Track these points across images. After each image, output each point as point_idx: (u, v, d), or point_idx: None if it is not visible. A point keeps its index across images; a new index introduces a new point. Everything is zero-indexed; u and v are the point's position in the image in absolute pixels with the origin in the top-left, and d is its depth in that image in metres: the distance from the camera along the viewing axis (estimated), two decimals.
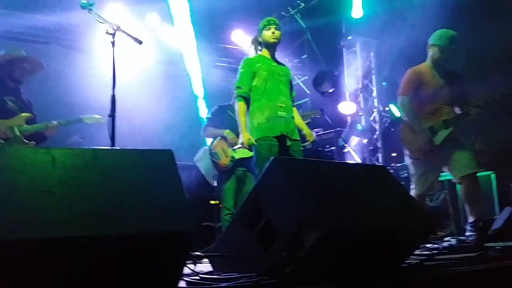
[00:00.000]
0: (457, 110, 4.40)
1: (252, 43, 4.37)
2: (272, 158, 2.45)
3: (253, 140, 4.01)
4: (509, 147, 7.27)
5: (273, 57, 4.30)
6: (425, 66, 4.51)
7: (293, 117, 4.22)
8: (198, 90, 7.76)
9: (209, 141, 5.43)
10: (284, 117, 4.10)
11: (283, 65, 4.37)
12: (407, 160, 4.56)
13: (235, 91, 4.20)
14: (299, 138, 4.21)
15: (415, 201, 3.07)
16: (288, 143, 4.10)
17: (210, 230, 5.77)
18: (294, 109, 4.33)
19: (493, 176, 6.02)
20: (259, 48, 4.33)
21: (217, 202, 5.65)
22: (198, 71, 7.85)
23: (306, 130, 4.30)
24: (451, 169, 4.36)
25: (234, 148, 5.11)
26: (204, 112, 7.46)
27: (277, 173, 2.38)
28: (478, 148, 7.82)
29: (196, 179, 6.31)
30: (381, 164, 8.06)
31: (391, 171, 5.01)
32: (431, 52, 4.47)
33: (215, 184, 5.55)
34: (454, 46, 4.36)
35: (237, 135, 5.06)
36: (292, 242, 2.12)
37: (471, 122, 7.66)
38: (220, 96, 7.23)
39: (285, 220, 2.19)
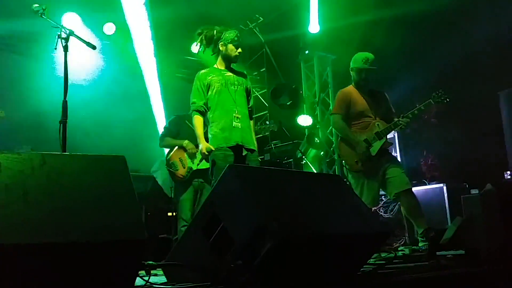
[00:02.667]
0: (387, 123, 4.62)
1: (202, 40, 4.23)
2: (227, 165, 2.43)
3: (212, 147, 4.00)
4: (457, 160, 7.57)
5: (228, 68, 4.28)
6: (351, 87, 4.77)
7: (249, 127, 4.21)
8: (156, 100, 7.65)
9: (166, 151, 5.36)
10: (239, 127, 4.09)
11: (240, 74, 4.35)
12: (348, 174, 4.68)
13: (191, 106, 4.19)
14: (255, 148, 4.21)
15: (369, 209, 3.10)
16: (244, 153, 4.10)
17: (167, 242, 5.67)
18: (252, 122, 4.33)
19: (444, 188, 6.20)
20: (207, 46, 4.23)
21: (174, 213, 5.57)
22: (156, 82, 7.74)
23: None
24: (385, 186, 4.52)
25: (192, 158, 5.06)
26: (162, 122, 7.35)
27: (232, 181, 2.36)
28: (431, 162, 8.09)
29: (153, 190, 6.23)
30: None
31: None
32: (352, 75, 4.74)
33: (171, 195, 5.47)
34: (370, 67, 4.57)
35: (196, 145, 5.04)
36: (248, 251, 2.09)
37: (422, 137, 8.00)
38: (178, 107, 7.18)
39: (240, 228, 2.17)
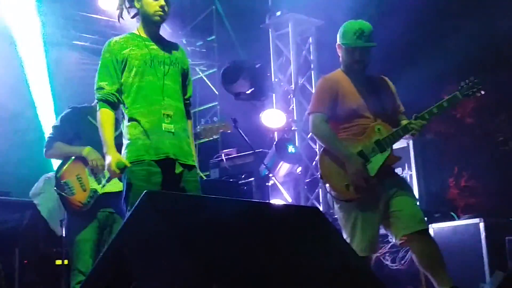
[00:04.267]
0: (392, 126, 4.67)
1: (120, 2, 4.23)
2: (145, 192, 2.42)
3: (126, 162, 3.98)
4: (504, 182, 7.70)
5: (153, 37, 4.27)
6: (339, 72, 4.81)
7: (186, 130, 4.22)
8: (39, 84, 7.57)
9: (55, 164, 5.30)
10: (172, 132, 4.10)
11: (173, 46, 4.34)
12: (334, 204, 4.73)
13: (95, 93, 4.14)
14: (195, 163, 4.22)
15: (362, 262, 3.14)
16: (178, 170, 4.11)
17: None
18: (189, 122, 4.34)
19: (481, 225, 6.31)
20: (128, 10, 4.24)
21: (65, 261, 5.54)
22: (40, 54, 7.67)
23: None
24: (389, 224, 4.60)
25: (96, 175, 5.04)
26: (49, 119, 7.28)
27: (151, 217, 2.37)
28: (465, 184, 8.27)
29: (32, 225, 6.16)
30: (319, 204, 8.26)
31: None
32: (341, 56, 4.78)
33: (62, 233, 5.42)
34: (366, 43, 4.64)
35: (103, 156, 4.99)
36: None
37: (453, 146, 8.13)
38: (76, 94, 7.13)
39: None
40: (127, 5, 4.22)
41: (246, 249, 2.42)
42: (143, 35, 4.24)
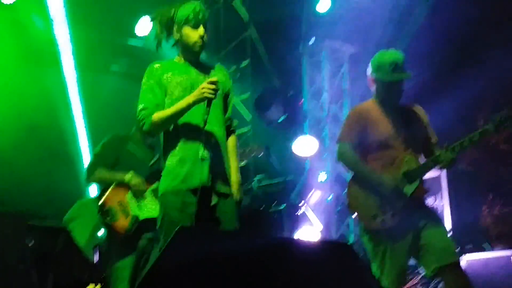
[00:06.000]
0: (422, 158, 4.65)
1: (159, 26, 4.21)
2: (178, 228, 2.46)
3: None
4: None
5: (193, 63, 4.23)
6: (371, 103, 4.80)
7: (225, 151, 4.22)
8: (77, 110, 7.65)
9: (93, 191, 5.35)
10: (208, 159, 4.09)
11: (214, 69, 4.28)
12: (363, 235, 4.70)
13: (138, 114, 4.11)
14: (233, 191, 4.16)
15: None
16: (214, 200, 4.10)
17: None
18: (231, 139, 4.30)
19: None
20: (166, 36, 4.19)
21: (98, 287, 5.56)
22: (74, 80, 7.74)
23: (233, 177, 4.29)
24: (419, 256, 4.55)
25: (138, 200, 5.10)
26: (87, 145, 7.35)
27: (183, 254, 2.38)
28: (499, 212, 8.15)
29: (66, 250, 6.19)
30: (350, 233, 8.21)
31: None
32: (373, 87, 4.77)
33: (95, 259, 5.46)
34: (402, 74, 4.63)
35: (145, 180, 5.05)
36: None
37: (487, 174, 8.03)
38: (115, 121, 7.18)
39: None
40: (166, 34, 4.21)
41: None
42: (183, 61, 4.25)
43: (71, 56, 7.76)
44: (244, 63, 9.00)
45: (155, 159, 5.24)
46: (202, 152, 4.00)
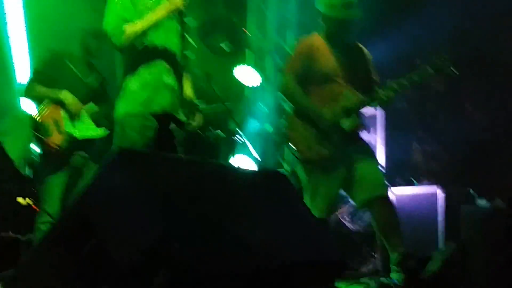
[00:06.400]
0: (361, 95, 4.75)
1: None
2: (117, 149, 2.48)
3: None
4: (468, 151, 7.75)
5: None
6: (318, 37, 4.87)
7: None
8: (13, 17, 7.38)
9: (27, 104, 5.27)
10: (173, 86, 4.14)
11: None
12: (297, 165, 4.82)
13: (107, 29, 4.08)
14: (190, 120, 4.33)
15: (321, 226, 3.24)
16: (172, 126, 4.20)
17: (15, 245, 5.63)
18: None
19: (438, 192, 6.38)
20: None
21: (29, 201, 5.59)
22: None
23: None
24: (350, 188, 4.71)
25: (72, 119, 5.08)
26: (24, 59, 7.18)
27: (121, 174, 2.42)
28: (426, 149, 8.34)
29: None
30: (283, 162, 8.32)
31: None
32: (322, 23, 4.83)
33: (27, 172, 5.44)
34: (349, 16, 4.69)
35: (82, 100, 5.03)
36: (133, 277, 2.16)
37: (420, 112, 8.15)
38: (56, 34, 7.01)
39: (124, 246, 2.25)
40: None
41: (210, 210, 2.49)
42: None
43: None
44: None
45: (93, 79, 5.19)
46: (167, 77, 4.06)
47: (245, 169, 5.05)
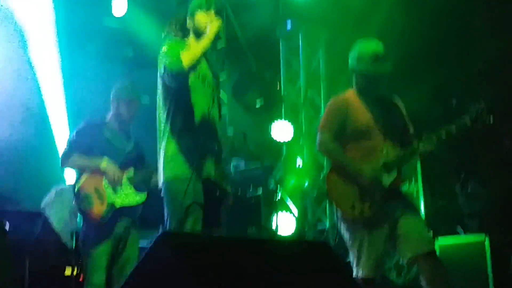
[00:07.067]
0: (401, 147, 4.69)
1: (172, 29, 4.50)
2: (161, 233, 2.50)
3: None
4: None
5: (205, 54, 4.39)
6: (351, 92, 4.83)
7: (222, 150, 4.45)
8: (53, 92, 7.57)
9: (70, 176, 5.32)
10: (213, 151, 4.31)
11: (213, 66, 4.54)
12: (340, 224, 4.77)
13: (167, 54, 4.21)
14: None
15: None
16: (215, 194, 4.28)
17: None
18: None
19: (487, 242, 6.28)
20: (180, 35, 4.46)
21: (76, 273, 5.59)
22: (55, 59, 7.64)
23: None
24: (395, 245, 4.63)
25: (114, 187, 5.11)
26: (64, 131, 7.31)
27: (166, 257, 2.44)
28: (471, 190, 8.22)
29: (44, 236, 6.18)
30: (326, 218, 8.28)
31: None
32: (353, 78, 4.80)
33: (73, 245, 5.49)
34: (383, 66, 4.65)
35: (121, 167, 5.09)
36: None
37: (461, 155, 8.09)
38: (92, 106, 7.14)
39: None
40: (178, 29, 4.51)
41: None
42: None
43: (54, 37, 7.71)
44: (220, 44, 8.95)
45: (131, 146, 5.25)
46: (210, 143, 4.18)
47: (288, 241, 5.00)
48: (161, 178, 4.22)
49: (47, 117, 7.51)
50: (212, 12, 4.34)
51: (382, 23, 7.64)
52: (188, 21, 4.42)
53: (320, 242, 4.46)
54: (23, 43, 7.63)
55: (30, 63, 7.66)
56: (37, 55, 7.70)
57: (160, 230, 4.30)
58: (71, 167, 5.35)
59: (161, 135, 4.29)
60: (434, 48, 7.95)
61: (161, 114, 4.30)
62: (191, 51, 4.17)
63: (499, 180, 7.60)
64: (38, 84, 7.64)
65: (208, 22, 4.26)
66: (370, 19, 7.79)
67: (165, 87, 4.26)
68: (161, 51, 4.25)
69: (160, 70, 4.22)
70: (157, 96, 4.34)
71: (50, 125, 7.48)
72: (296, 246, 3.12)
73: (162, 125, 4.29)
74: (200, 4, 4.36)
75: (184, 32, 4.43)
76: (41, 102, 7.52)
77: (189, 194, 4.06)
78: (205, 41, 4.19)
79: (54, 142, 7.17)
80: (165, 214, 4.18)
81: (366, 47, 4.67)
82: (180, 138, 4.22)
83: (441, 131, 4.54)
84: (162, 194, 4.23)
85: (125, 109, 5.31)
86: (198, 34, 4.34)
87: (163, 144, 4.25)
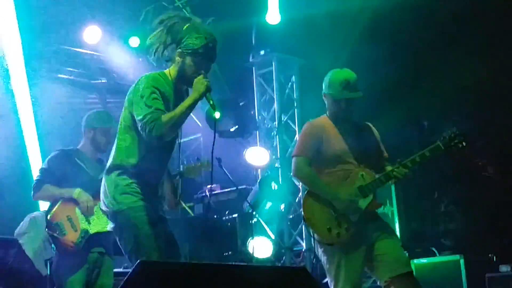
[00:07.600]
0: (376, 172, 4.75)
1: (163, 32, 4.02)
2: (138, 262, 2.50)
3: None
4: (489, 215, 7.69)
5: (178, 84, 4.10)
6: (325, 118, 4.91)
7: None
8: (26, 121, 7.48)
9: (44, 205, 5.29)
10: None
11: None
12: (318, 247, 4.79)
13: (147, 115, 3.79)
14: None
15: None
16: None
17: None
18: None
19: (462, 261, 6.34)
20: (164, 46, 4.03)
21: None
22: (25, 90, 7.55)
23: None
24: (373, 267, 4.67)
25: (86, 216, 5.09)
26: (36, 160, 7.26)
27: (144, 286, 2.43)
28: (445, 209, 8.26)
29: (17, 264, 6.12)
30: (302, 240, 8.27)
31: None
32: (326, 103, 4.88)
33: (47, 272, 5.43)
34: (353, 93, 4.72)
35: (93, 196, 5.03)
36: None
37: (433, 174, 8.13)
38: (63, 133, 7.12)
39: None
40: (163, 50, 4.05)
41: None
42: (171, 78, 4.06)
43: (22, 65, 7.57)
44: None
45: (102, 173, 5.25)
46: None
47: (266, 267, 5.00)
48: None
49: (23, 142, 7.40)
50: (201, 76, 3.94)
51: (354, 50, 7.79)
52: (177, 55, 3.99)
53: (298, 267, 4.45)
54: None
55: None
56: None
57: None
58: (43, 198, 5.33)
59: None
60: (406, 73, 8.09)
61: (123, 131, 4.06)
62: (173, 114, 3.84)
63: (472, 200, 7.69)
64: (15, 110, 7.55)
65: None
66: (343, 47, 7.91)
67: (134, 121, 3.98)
68: (138, 90, 3.92)
69: (136, 117, 3.89)
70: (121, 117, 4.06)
71: (26, 151, 7.38)
72: (274, 272, 3.13)
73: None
74: (197, 50, 3.92)
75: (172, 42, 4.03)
76: (19, 128, 7.42)
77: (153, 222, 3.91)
78: (188, 101, 3.91)
79: (30, 168, 7.07)
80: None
81: (338, 73, 4.77)
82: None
83: (416, 156, 4.63)
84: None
85: (103, 138, 5.30)
86: (182, 77, 4.04)
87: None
